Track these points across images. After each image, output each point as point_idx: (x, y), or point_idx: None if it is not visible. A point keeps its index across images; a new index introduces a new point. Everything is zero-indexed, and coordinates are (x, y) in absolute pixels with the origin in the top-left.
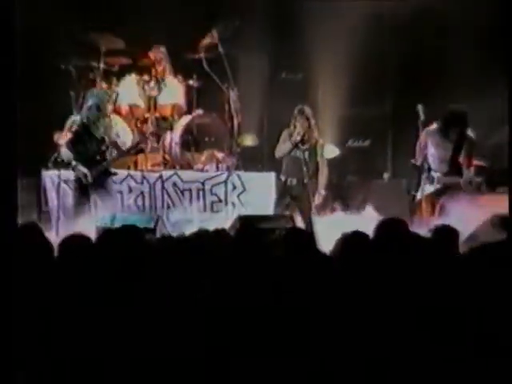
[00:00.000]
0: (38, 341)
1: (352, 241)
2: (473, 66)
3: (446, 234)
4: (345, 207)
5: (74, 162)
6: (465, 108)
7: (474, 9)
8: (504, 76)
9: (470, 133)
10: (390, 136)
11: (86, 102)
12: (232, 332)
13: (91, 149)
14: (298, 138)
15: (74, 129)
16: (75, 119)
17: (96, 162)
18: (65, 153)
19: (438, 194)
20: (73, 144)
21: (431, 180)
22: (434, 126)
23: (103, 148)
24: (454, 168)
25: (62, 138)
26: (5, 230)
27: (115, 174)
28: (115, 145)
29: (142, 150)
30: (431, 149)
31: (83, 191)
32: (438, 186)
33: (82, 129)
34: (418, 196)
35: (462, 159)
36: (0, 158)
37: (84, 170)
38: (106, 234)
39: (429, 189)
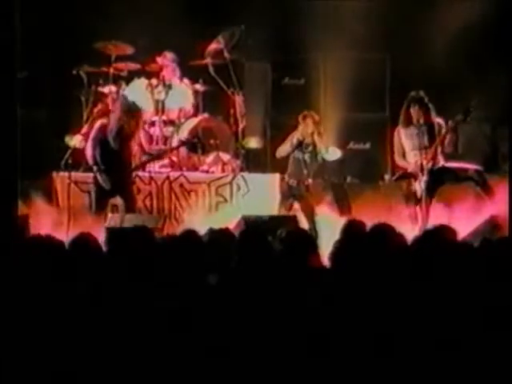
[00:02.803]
0: (47, 341)
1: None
2: (474, 68)
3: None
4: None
5: (95, 167)
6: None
7: (475, 10)
8: (505, 76)
9: (436, 117)
10: (390, 139)
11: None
12: (235, 332)
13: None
14: (295, 142)
15: (96, 133)
16: (103, 121)
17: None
18: (91, 157)
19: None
20: (95, 148)
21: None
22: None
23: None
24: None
25: (89, 142)
26: (5, 229)
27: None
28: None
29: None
30: (406, 142)
31: (102, 195)
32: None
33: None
34: (419, 193)
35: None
36: (0, 158)
37: (104, 177)
38: (115, 234)
39: (424, 181)
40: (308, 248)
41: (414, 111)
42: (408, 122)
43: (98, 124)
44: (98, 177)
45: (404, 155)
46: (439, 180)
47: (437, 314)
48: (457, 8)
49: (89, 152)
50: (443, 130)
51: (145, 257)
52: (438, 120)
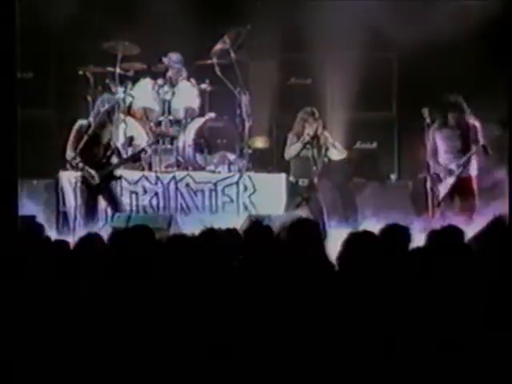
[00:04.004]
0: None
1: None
2: (477, 69)
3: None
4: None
5: (81, 164)
6: (459, 96)
7: (482, 9)
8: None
9: (471, 118)
10: (396, 138)
11: (95, 107)
12: (239, 330)
13: (97, 153)
14: (307, 138)
15: (81, 132)
16: (82, 123)
17: (101, 165)
18: (69, 153)
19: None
20: (77, 146)
21: (450, 173)
22: (436, 122)
23: (108, 153)
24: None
25: (69, 140)
26: (5, 229)
27: (120, 177)
28: (118, 151)
29: (139, 159)
30: (441, 144)
31: (90, 192)
32: (454, 178)
33: (90, 132)
34: (441, 193)
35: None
36: (0, 158)
37: (91, 171)
38: (116, 234)
39: (449, 182)
40: (315, 235)
41: (451, 114)
42: (444, 125)
43: (80, 124)
44: (86, 172)
45: (436, 156)
46: (462, 188)
47: (442, 313)
48: (464, 7)
49: (70, 153)
50: (479, 135)
51: (144, 257)
52: (475, 123)
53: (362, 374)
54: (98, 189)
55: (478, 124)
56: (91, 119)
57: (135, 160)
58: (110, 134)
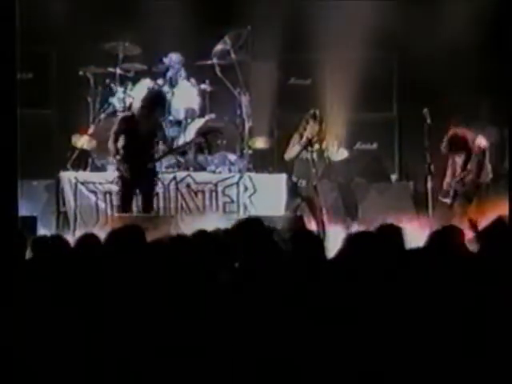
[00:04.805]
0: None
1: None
2: (478, 69)
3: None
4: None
5: (117, 156)
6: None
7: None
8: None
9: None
10: (397, 139)
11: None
12: (237, 333)
13: (138, 147)
14: (305, 140)
15: (122, 126)
16: (124, 116)
17: (142, 159)
18: (110, 148)
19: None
20: (117, 140)
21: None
22: None
23: (150, 147)
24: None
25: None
26: (5, 228)
27: (157, 172)
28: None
29: (185, 152)
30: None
31: (127, 187)
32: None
33: (131, 126)
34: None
35: None
36: (0, 158)
37: (124, 166)
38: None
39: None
40: (315, 248)
41: (455, 146)
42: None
43: (119, 117)
44: (120, 166)
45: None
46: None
47: (441, 313)
48: (465, 6)
49: (111, 145)
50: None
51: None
52: (478, 145)
53: (361, 374)
54: (135, 183)
55: (481, 142)
56: (134, 111)
57: (181, 153)
58: (152, 127)
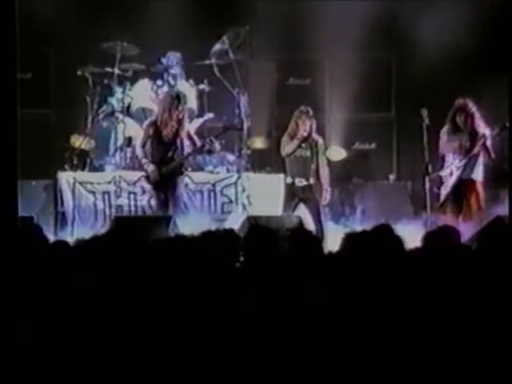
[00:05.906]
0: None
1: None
2: (477, 69)
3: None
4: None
5: (144, 160)
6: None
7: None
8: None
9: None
10: (395, 139)
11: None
12: (238, 332)
13: (161, 149)
14: (305, 135)
15: (148, 129)
16: (150, 120)
17: (165, 162)
18: (137, 151)
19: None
20: (144, 144)
21: (451, 174)
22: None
23: (172, 149)
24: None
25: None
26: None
27: (182, 173)
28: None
29: (210, 151)
30: (447, 146)
31: (155, 189)
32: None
33: (154, 129)
34: (442, 195)
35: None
36: (0, 158)
37: (151, 167)
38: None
39: (450, 183)
40: (314, 247)
41: (460, 118)
42: (453, 129)
43: (147, 122)
44: (147, 168)
45: (443, 158)
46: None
47: (439, 313)
48: (462, 7)
49: (138, 150)
50: (486, 141)
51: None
52: (483, 130)
53: (361, 375)
54: (162, 185)
55: (483, 130)
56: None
57: (208, 152)
58: (173, 130)
